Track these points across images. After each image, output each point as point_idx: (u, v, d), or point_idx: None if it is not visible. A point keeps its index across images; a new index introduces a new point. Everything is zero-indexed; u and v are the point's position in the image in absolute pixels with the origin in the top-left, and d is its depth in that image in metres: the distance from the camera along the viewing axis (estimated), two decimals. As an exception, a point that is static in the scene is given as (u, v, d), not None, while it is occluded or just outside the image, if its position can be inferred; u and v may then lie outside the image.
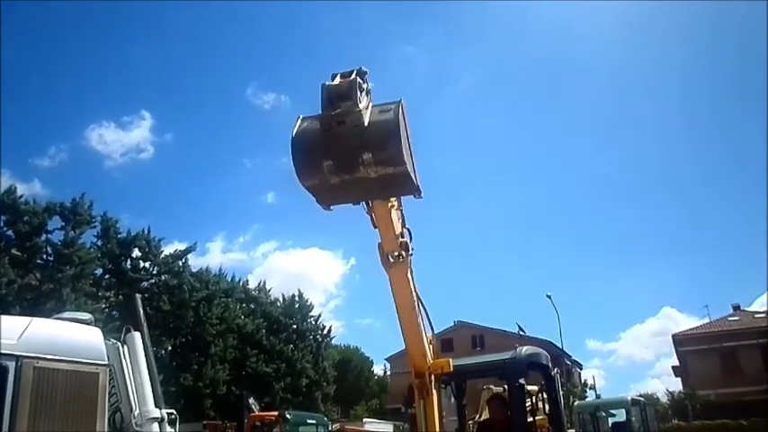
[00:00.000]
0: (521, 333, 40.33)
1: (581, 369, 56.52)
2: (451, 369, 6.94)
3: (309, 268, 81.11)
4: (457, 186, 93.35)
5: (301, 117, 4.86)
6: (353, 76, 4.68)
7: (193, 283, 31.38)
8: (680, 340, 43.60)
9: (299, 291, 40.15)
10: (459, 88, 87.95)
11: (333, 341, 45.43)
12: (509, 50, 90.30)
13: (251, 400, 25.49)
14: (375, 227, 6.01)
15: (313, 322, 39.89)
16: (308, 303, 40.01)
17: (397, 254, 6.14)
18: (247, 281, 38.27)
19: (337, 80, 4.71)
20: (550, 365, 7.77)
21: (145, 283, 30.71)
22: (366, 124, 4.66)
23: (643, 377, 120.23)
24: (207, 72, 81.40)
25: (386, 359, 53.05)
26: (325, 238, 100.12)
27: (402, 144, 4.68)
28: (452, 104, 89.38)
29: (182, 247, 33.30)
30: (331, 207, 5.40)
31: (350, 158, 4.73)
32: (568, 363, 50.45)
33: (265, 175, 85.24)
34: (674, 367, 47.28)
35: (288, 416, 19.97)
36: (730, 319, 44.54)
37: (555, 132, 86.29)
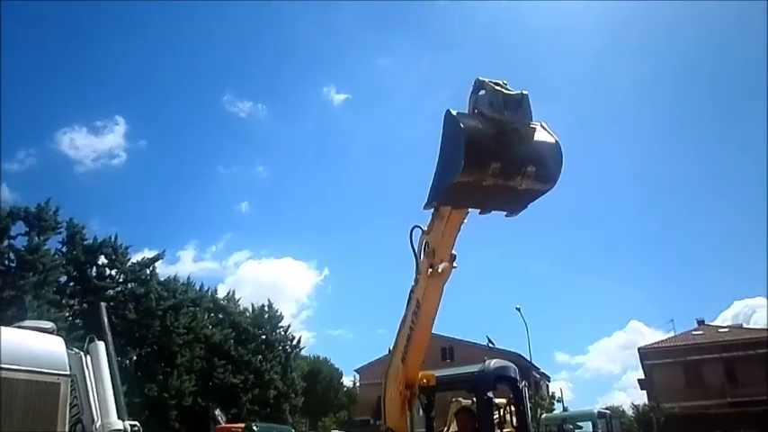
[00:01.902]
0: (490, 345, 40.49)
1: (549, 381, 56.94)
2: (435, 382, 7.01)
3: (282, 278, 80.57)
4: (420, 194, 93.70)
5: (455, 111, 5.10)
6: (524, 91, 5.07)
7: (161, 292, 30.91)
8: (645, 353, 44.27)
9: (269, 301, 39.87)
10: (438, 98, 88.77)
11: (302, 352, 45.16)
12: (489, 62, 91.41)
13: (217, 412, 25.17)
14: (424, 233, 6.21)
15: (282, 333, 39.55)
16: (278, 313, 39.71)
17: (434, 261, 6.23)
18: (216, 290, 37.86)
19: (494, 86, 5.06)
20: (518, 378, 7.81)
21: (111, 291, 30.17)
22: (533, 139, 5.13)
23: (610, 390, 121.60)
24: (183, 78, 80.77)
25: (355, 370, 52.88)
26: (300, 248, 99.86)
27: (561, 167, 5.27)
28: (429, 116, 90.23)
29: (151, 254, 32.86)
30: (454, 207, 5.79)
31: (514, 166, 5.06)
32: (537, 375, 50.75)
33: (240, 184, 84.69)
34: (639, 380, 47.91)
35: (254, 428, 19.71)
36: (695, 333, 45.40)
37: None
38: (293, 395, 37.71)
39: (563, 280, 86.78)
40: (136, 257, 31.73)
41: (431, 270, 6.32)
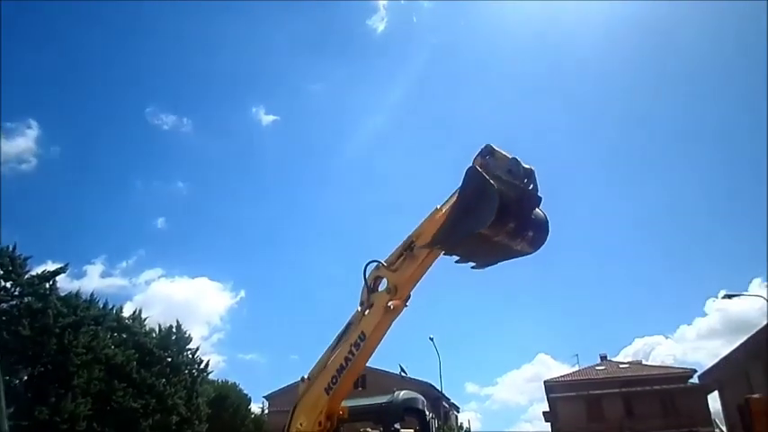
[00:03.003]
0: (402, 374, 40.54)
1: (458, 412, 57.52)
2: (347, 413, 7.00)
3: (195, 298, 78.17)
4: (350, 225, 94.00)
5: (478, 169, 5.86)
6: (532, 167, 5.85)
7: (60, 308, 28.97)
8: (551, 387, 45.62)
9: (178, 321, 38.21)
10: (364, 130, 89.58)
11: (211, 376, 43.54)
12: (417, 98, 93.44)
13: (113, 439, 23.75)
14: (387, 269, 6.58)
15: (190, 355, 37.93)
16: (187, 335, 38.12)
17: (394, 299, 6.50)
18: (122, 308, 35.92)
19: (507, 156, 5.95)
20: (426, 410, 7.85)
21: (4, 305, 28.09)
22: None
23: (516, 421, 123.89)
24: (105, 85, 77.76)
25: (264, 397, 51.49)
26: (217, 268, 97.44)
27: None
28: (357, 144, 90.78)
29: (53, 267, 30.86)
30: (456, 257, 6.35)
31: (522, 229, 5.94)
32: (446, 405, 51.16)
33: (158, 200, 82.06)
34: (544, 412, 49.27)
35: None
36: (598, 368, 47.31)
37: (451, 178, 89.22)
38: (197, 421, 36.06)
39: (477, 312, 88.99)
40: (36, 270, 29.76)
41: (392, 303, 6.49)
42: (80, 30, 75.99)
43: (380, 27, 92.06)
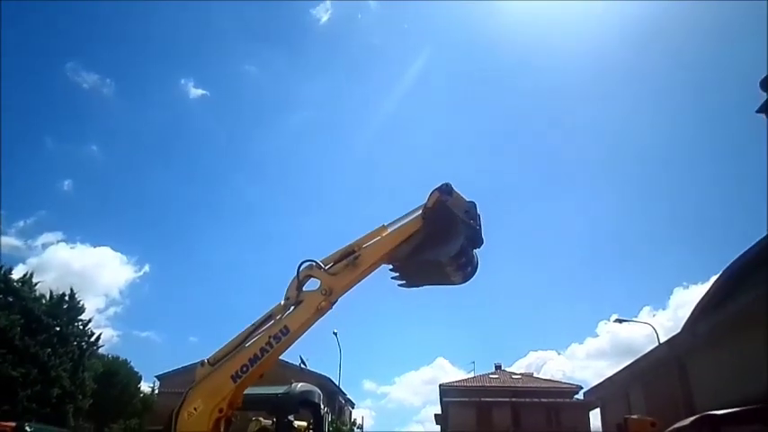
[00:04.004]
0: (302, 366, 40.38)
1: (353, 408, 57.89)
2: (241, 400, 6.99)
3: (95, 268, 74.54)
4: (264, 214, 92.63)
5: (449, 206, 6.88)
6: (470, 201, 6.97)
7: (-62, 265, 26.93)
8: (445, 390, 46.65)
9: (72, 290, 36.38)
10: (293, 119, 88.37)
11: (102, 350, 41.69)
12: (349, 92, 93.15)
13: (-15, 407, 22.27)
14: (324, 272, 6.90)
15: (81, 327, 36.15)
16: (80, 305, 36.32)
17: (326, 300, 6.78)
18: (11, 270, 33.66)
19: (463, 198, 6.92)
20: (322, 404, 7.84)
21: None
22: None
23: (409, 421, 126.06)
24: (26, 33, 72.54)
25: (156, 376, 49.80)
26: (122, 239, 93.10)
27: None
28: (283, 133, 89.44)
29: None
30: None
31: (466, 263, 6.98)
32: (342, 401, 51.36)
33: (67, 160, 77.57)
34: (436, 415, 50.30)
35: (27, 428, 17.69)
36: (492, 376, 48.82)
37: (364, 176, 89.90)
38: (81, 396, 34.36)
39: (382, 311, 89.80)
40: None
41: (324, 299, 6.72)
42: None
43: (324, 18, 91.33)
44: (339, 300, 6.96)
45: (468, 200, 6.88)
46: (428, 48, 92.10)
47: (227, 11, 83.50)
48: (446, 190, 6.85)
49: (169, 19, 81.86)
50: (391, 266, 7.31)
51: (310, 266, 6.97)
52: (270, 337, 6.63)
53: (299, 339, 6.84)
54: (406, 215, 7.10)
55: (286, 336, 6.63)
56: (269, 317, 6.94)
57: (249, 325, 6.95)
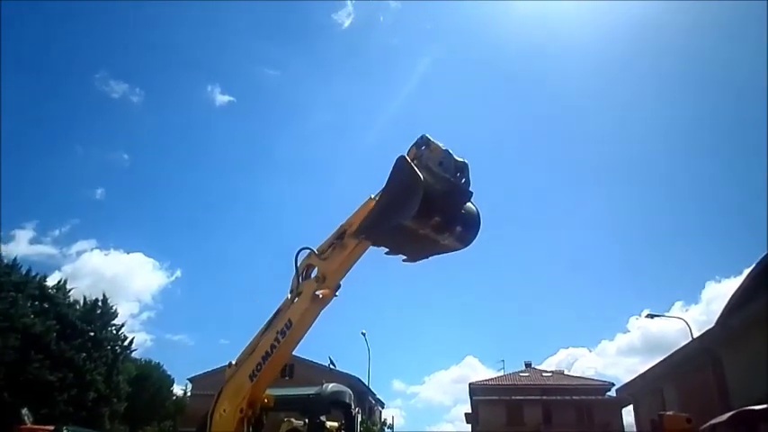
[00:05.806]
0: (331, 367, 40.60)
1: (383, 408, 57.99)
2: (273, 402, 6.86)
3: (128, 274, 75.87)
4: (294, 214, 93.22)
5: (409, 159, 5.52)
6: (465, 160, 5.67)
7: (-23, 272, 27.68)
8: (475, 389, 46.49)
9: (104, 295, 37.07)
10: (314, 121, 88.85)
11: (135, 354, 42.41)
12: (370, 96, 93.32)
13: (24, 411, 22.72)
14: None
15: (114, 331, 36.86)
16: (113, 310, 37.03)
17: (321, 287, 6.32)
18: (45, 277, 34.44)
19: (441, 148, 5.65)
20: (353, 405, 7.84)
21: None
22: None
23: (439, 420, 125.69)
24: (53, 43, 74.01)
25: (189, 379, 50.48)
26: (155, 245, 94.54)
27: None
28: (300, 136, 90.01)
29: (-27, 229, 29.40)
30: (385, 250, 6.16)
31: (449, 224, 5.71)
32: (372, 401, 51.47)
33: (99, 169, 78.97)
34: (466, 414, 50.16)
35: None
36: (522, 374, 48.49)
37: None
38: (115, 399, 35.07)
39: (410, 311, 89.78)
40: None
41: (321, 292, 6.33)
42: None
43: (346, 22, 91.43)
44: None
45: (443, 149, 5.72)
46: (445, 46, 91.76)
47: (250, 16, 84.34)
48: (419, 142, 5.79)
49: (193, 27, 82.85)
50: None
51: (308, 255, 6.59)
52: (277, 332, 6.46)
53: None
54: None
55: (290, 330, 6.38)
56: (278, 312, 6.75)
57: (265, 323, 6.84)
